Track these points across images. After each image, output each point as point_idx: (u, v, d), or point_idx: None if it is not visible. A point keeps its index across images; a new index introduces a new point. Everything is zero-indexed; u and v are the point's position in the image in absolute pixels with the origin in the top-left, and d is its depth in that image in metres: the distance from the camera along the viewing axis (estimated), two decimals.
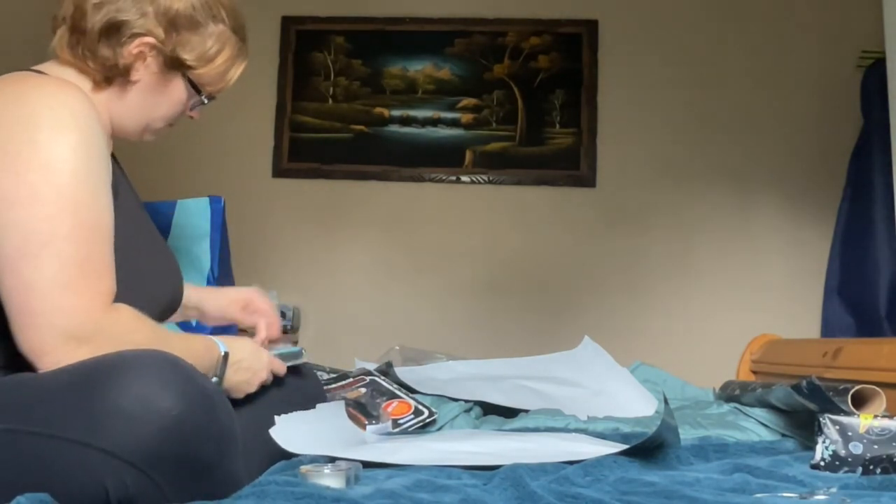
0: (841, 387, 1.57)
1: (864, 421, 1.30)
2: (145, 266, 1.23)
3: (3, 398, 0.99)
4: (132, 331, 1.08)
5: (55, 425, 0.94)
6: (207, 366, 1.19)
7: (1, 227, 1.03)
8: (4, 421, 0.96)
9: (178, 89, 1.26)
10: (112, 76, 1.21)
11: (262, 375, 1.30)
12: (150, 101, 1.25)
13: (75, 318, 1.02)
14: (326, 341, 3.29)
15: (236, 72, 1.32)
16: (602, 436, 1.58)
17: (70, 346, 1.01)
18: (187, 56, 1.23)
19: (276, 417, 1.24)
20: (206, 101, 1.31)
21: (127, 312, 1.09)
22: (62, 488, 0.92)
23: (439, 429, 1.75)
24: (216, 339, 1.23)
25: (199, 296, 1.51)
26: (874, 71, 3.11)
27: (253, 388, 1.29)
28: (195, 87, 1.27)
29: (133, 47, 1.19)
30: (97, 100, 1.20)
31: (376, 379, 1.90)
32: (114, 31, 1.18)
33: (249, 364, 1.27)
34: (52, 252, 1.02)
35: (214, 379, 1.20)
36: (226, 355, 1.21)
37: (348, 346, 2.91)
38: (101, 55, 1.19)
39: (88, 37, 1.18)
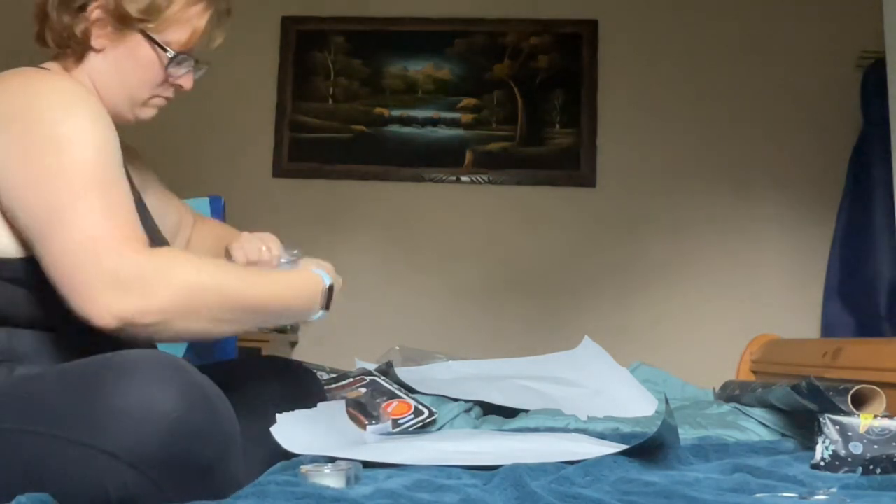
0: (841, 387, 1.58)
1: (864, 421, 1.30)
2: None
3: (4, 398, 0.99)
4: (187, 269, 1.06)
5: (56, 425, 0.94)
6: (308, 297, 1.21)
7: (27, 210, 1.05)
8: (6, 420, 0.96)
9: (142, 50, 1.22)
10: (80, 49, 1.21)
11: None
12: (121, 68, 1.22)
13: (113, 263, 1.01)
14: (326, 341, 3.29)
15: (201, 21, 1.24)
16: (602, 436, 1.58)
17: (115, 291, 1.00)
18: (131, 8, 1.19)
19: (276, 416, 1.23)
20: (171, 57, 1.23)
21: (171, 253, 1.09)
22: (63, 488, 0.92)
23: (439, 429, 1.75)
24: (318, 270, 1.25)
25: None
26: (874, 71, 3.11)
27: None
28: (159, 45, 1.22)
29: (89, 12, 1.19)
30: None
31: (376, 379, 1.90)
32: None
33: (337, 290, 1.29)
34: (77, 215, 1.03)
35: (321, 313, 1.23)
36: (331, 287, 1.23)
37: (348, 346, 2.90)
38: (63, 28, 1.19)
39: (50, 18, 1.20)
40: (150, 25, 1.21)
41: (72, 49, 1.22)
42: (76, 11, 1.20)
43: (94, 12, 1.20)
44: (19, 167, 1.06)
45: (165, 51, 1.23)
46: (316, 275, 1.24)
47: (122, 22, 1.20)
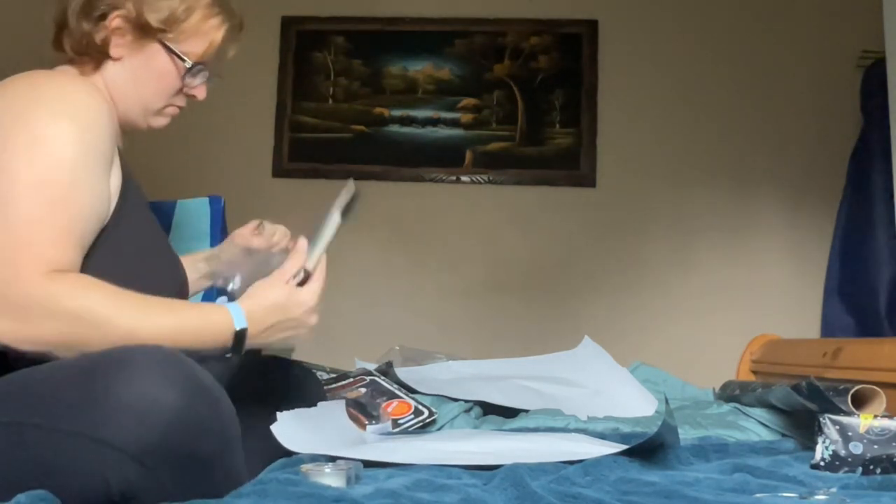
0: (841, 387, 1.57)
1: (864, 421, 1.30)
2: (148, 268, 1.23)
3: (5, 391, 0.99)
4: (74, 294, 1.04)
5: (58, 419, 0.94)
6: (211, 342, 1.12)
7: None
8: (7, 414, 0.97)
9: (160, 59, 1.25)
10: (98, 57, 1.23)
11: (312, 320, 1.21)
12: (137, 77, 1.25)
13: (5, 285, 1.02)
14: (326, 341, 3.29)
15: (218, 35, 1.28)
16: (602, 436, 1.58)
17: (6, 317, 1.01)
18: (152, 18, 1.22)
19: (277, 415, 1.23)
20: (190, 67, 1.25)
21: (69, 280, 1.05)
22: (64, 481, 0.92)
23: (439, 429, 1.75)
24: (235, 308, 1.14)
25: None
26: (874, 71, 3.11)
27: (307, 334, 1.21)
28: (177, 55, 1.24)
29: (110, 21, 1.21)
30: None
31: (376, 379, 1.90)
32: (88, 7, 1.21)
33: (285, 325, 1.18)
34: (2, 226, 1.03)
35: (228, 355, 1.14)
36: (241, 332, 1.13)
37: (348, 346, 2.91)
38: (82, 35, 1.21)
39: (70, 23, 1.22)
40: (170, 36, 1.24)
41: (90, 56, 1.23)
42: (97, 20, 1.22)
43: (115, 21, 1.22)
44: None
45: (183, 61, 1.25)
46: (225, 318, 1.13)
47: (143, 31, 1.23)
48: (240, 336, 1.14)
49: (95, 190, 1.13)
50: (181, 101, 1.31)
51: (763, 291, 3.33)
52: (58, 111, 1.11)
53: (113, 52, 1.23)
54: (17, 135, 1.08)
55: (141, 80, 1.25)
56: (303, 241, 1.28)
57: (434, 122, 3.52)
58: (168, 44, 1.24)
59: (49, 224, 1.06)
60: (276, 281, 1.20)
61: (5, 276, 1.02)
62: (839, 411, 1.38)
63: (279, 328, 1.19)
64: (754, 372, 2.75)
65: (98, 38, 1.21)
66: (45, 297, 1.02)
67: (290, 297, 1.19)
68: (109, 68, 1.24)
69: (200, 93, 1.31)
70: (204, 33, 1.26)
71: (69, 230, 1.08)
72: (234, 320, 1.14)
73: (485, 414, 1.95)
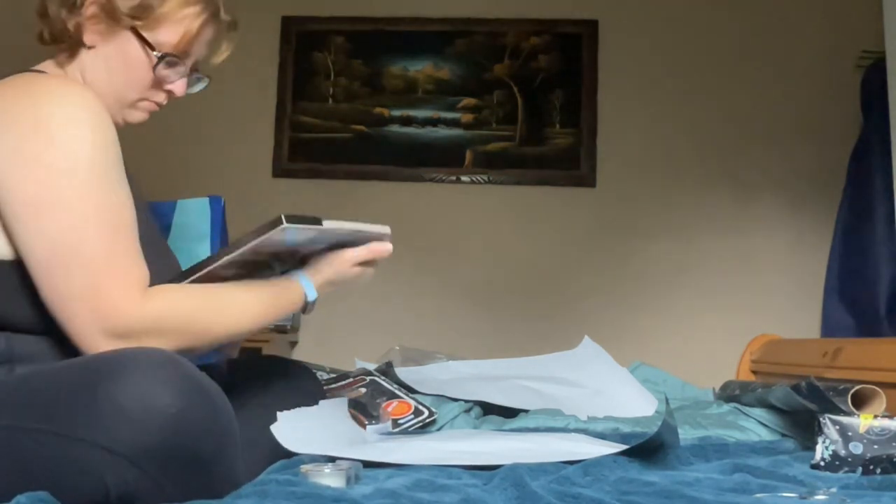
0: (841, 387, 1.58)
1: (864, 421, 1.30)
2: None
3: (4, 396, 0.99)
4: (174, 308, 1.11)
5: (56, 422, 0.94)
6: (289, 312, 1.28)
7: (30, 235, 1.07)
8: (5, 418, 0.97)
9: (131, 48, 1.21)
10: (73, 45, 1.21)
11: (353, 272, 1.40)
12: (110, 66, 1.22)
13: (110, 320, 1.06)
14: (326, 341, 3.29)
15: (194, 24, 1.23)
16: (602, 436, 1.58)
17: (109, 341, 1.05)
18: (122, 4, 1.19)
19: (278, 414, 1.23)
20: (161, 57, 1.21)
21: (161, 295, 1.11)
22: (63, 486, 0.92)
23: (439, 429, 1.75)
24: (306, 283, 1.29)
25: None
26: (874, 71, 3.11)
27: (351, 285, 1.42)
28: (147, 43, 1.21)
29: (85, 8, 1.20)
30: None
31: (376, 379, 1.90)
32: None
33: (334, 283, 1.36)
34: (80, 262, 1.06)
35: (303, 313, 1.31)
36: (313, 301, 1.30)
37: (348, 346, 2.91)
38: (58, 21, 1.20)
39: (49, 11, 1.21)
40: (140, 23, 1.21)
41: (66, 44, 1.22)
42: (72, 6, 1.20)
43: (89, 8, 1.20)
44: (21, 181, 1.06)
45: (154, 49, 1.22)
46: (299, 293, 1.29)
47: (113, 18, 1.20)
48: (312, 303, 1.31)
49: (128, 193, 1.14)
50: (159, 97, 1.27)
51: (763, 291, 3.33)
52: (77, 122, 1.09)
53: (87, 39, 1.21)
54: (46, 155, 1.06)
55: (113, 69, 1.22)
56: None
57: (434, 122, 3.52)
58: (140, 31, 1.21)
59: (120, 246, 1.09)
60: (343, 261, 1.38)
61: (105, 311, 1.06)
62: (839, 411, 1.38)
63: (334, 290, 1.38)
64: (754, 372, 2.75)
65: (72, 24, 1.20)
66: (148, 318, 1.08)
67: (346, 274, 1.39)
68: (83, 57, 1.22)
69: (178, 89, 1.27)
70: (177, 22, 1.22)
71: (133, 242, 1.11)
72: (308, 295, 1.30)
73: (485, 414, 1.95)
